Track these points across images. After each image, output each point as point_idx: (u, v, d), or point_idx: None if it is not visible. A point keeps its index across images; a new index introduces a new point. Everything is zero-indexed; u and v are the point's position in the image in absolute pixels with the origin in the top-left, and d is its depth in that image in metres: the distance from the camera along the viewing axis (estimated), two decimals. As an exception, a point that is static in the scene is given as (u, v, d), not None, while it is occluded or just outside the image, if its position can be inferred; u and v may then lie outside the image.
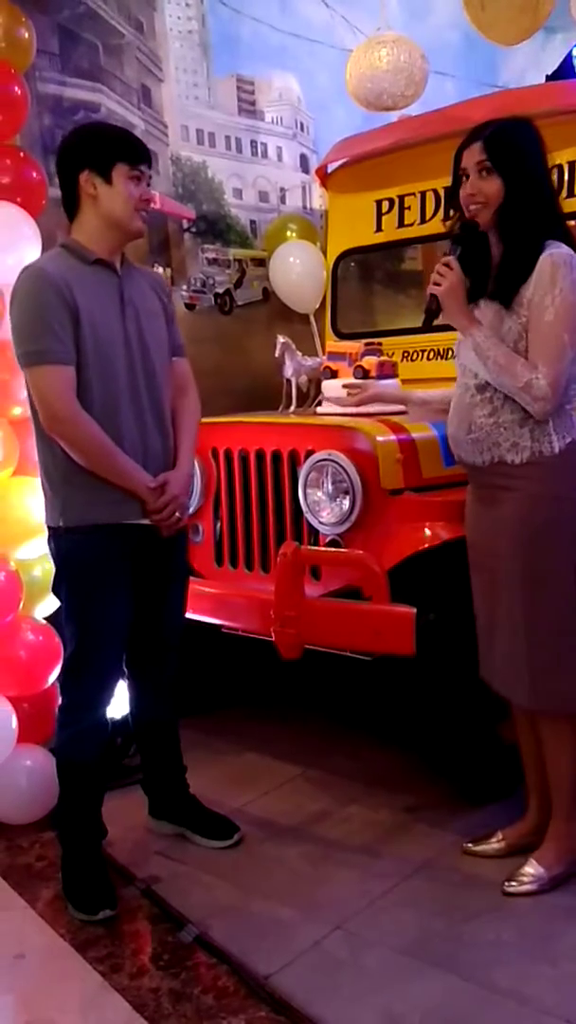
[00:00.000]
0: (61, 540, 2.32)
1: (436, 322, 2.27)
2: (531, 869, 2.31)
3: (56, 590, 2.38)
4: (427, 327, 2.32)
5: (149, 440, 2.32)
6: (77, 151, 2.26)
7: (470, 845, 2.49)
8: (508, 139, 2.15)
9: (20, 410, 2.65)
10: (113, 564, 2.30)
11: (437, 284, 2.19)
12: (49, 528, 2.35)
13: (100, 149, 2.23)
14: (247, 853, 2.57)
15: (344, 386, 2.85)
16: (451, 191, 2.26)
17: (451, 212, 2.37)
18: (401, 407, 2.81)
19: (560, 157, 3.13)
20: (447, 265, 2.19)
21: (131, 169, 2.23)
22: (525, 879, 2.29)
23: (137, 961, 2.11)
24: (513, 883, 2.29)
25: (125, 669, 2.58)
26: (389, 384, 2.95)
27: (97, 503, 2.25)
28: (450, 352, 2.43)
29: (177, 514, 2.33)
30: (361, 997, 1.95)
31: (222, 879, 2.44)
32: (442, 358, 3.43)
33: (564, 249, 2.12)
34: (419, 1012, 1.89)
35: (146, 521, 2.30)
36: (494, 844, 2.46)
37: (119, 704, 2.73)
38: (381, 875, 2.41)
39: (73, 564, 2.32)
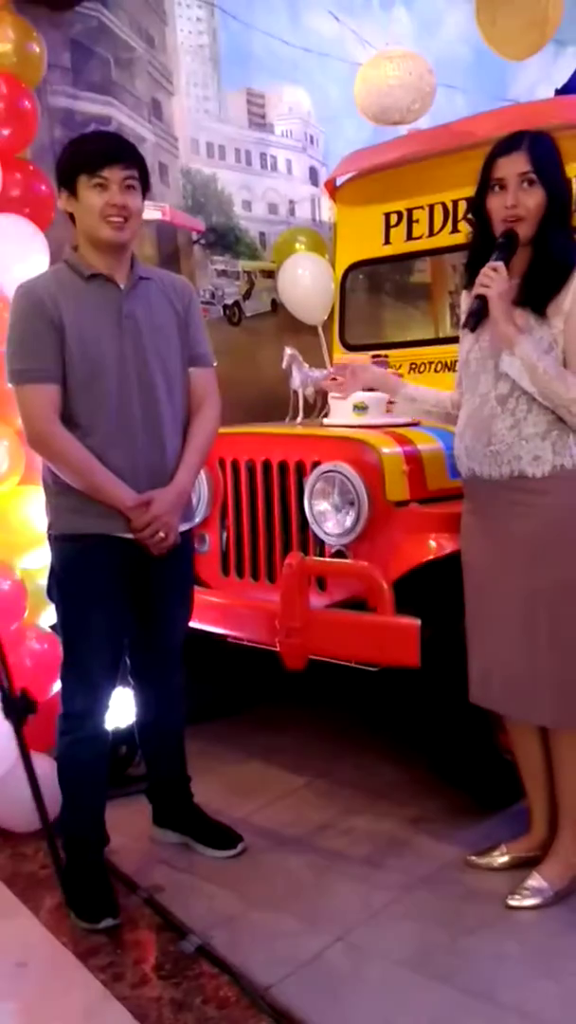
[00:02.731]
0: (53, 547, 2.35)
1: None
2: (535, 883, 2.30)
3: (49, 595, 2.41)
4: (474, 329, 2.25)
5: (140, 457, 2.28)
6: (57, 173, 2.27)
7: (474, 858, 2.48)
8: (549, 150, 2.15)
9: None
10: (100, 574, 2.29)
11: (486, 286, 2.14)
12: (47, 535, 2.38)
13: (64, 167, 2.23)
14: (250, 863, 2.56)
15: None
16: (476, 199, 2.24)
17: (470, 218, 2.32)
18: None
19: (570, 171, 3.13)
20: (495, 269, 2.13)
21: (91, 178, 2.18)
22: (528, 893, 2.28)
23: (139, 970, 2.11)
24: (516, 896, 2.28)
25: (130, 679, 2.59)
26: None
27: (85, 514, 2.25)
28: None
29: (161, 533, 2.28)
30: (361, 1009, 1.94)
31: (225, 889, 2.44)
32: (450, 370, 3.43)
33: None
34: (420, 1025, 1.89)
35: (132, 536, 2.28)
36: (498, 857, 2.45)
37: (124, 713, 2.74)
38: (384, 887, 2.41)
39: (61, 572, 2.34)
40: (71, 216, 2.29)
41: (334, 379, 2.59)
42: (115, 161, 2.19)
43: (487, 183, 2.18)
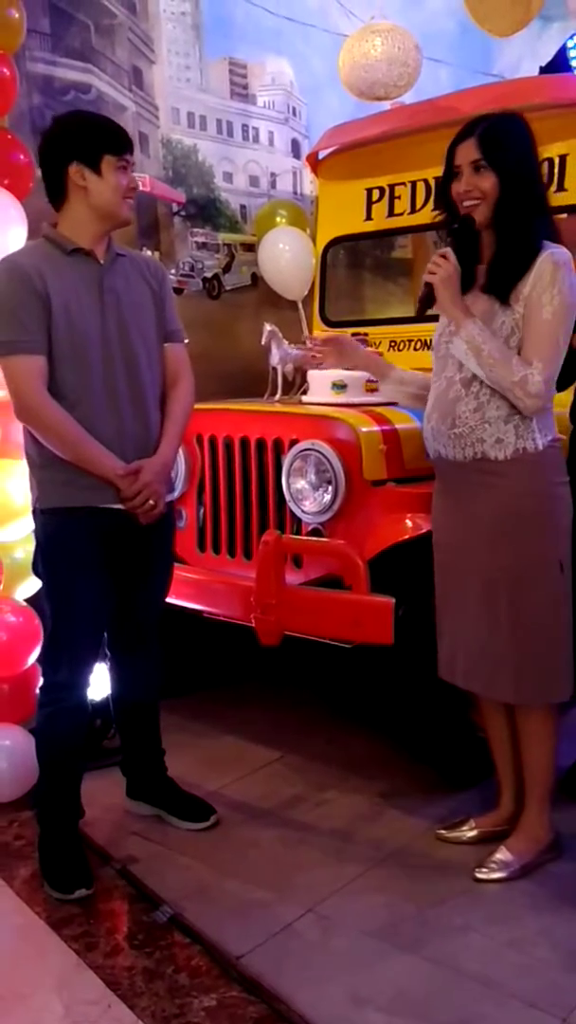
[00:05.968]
0: (39, 521, 2.36)
1: (429, 312, 2.26)
2: (501, 856, 2.35)
3: (35, 570, 2.42)
4: (420, 316, 2.33)
5: (126, 428, 2.31)
6: (64, 143, 2.25)
7: (443, 831, 2.53)
8: (502, 135, 2.15)
9: (3, 393, 2.65)
10: (87, 547, 2.31)
11: (432, 273, 2.19)
12: (32, 509, 2.38)
13: (88, 141, 2.23)
14: (223, 836, 2.60)
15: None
16: (442, 185, 2.26)
17: (439, 205, 2.36)
18: (385, 387, 2.68)
19: (551, 151, 3.14)
20: (444, 256, 2.18)
21: (118, 160, 2.25)
22: (495, 866, 2.33)
23: (112, 940, 2.14)
24: (484, 870, 2.33)
25: (107, 651, 2.61)
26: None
27: (72, 487, 2.27)
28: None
29: (151, 502, 2.32)
30: (330, 979, 1.98)
31: (198, 861, 2.47)
32: (429, 348, 3.42)
33: (562, 250, 2.15)
34: (387, 994, 1.93)
35: (121, 507, 2.30)
36: (467, 831, 2.50)
37: (99, 686, 2.76)
38: (354, 859, 2.45)
39: (48, 545, 2.35)
40: (57, 190, 2.27)
41: (314, 356, 2.60)
42: (132, 147, 2.31)
43: (450, 170, 2.21)
